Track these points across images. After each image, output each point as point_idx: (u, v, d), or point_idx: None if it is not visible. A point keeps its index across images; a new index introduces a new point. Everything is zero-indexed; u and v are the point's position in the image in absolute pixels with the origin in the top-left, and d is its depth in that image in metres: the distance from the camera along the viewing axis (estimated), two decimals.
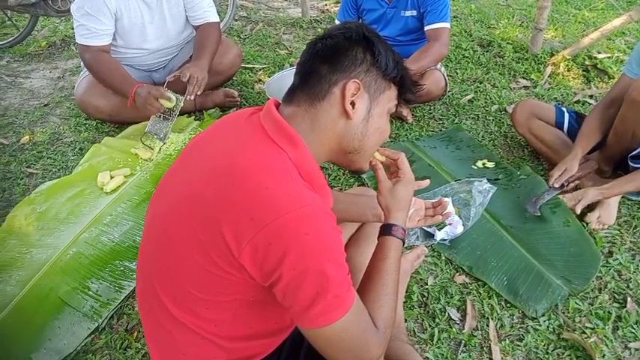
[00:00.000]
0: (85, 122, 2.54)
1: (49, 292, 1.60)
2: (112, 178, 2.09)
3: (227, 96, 2.62)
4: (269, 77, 3.00)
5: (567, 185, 1.88)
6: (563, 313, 1.52)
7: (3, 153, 2.33)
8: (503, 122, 2.57)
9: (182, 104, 2.26)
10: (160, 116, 2.27)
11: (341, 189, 2.06)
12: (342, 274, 0.86)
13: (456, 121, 2.59)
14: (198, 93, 2.28)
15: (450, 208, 1.84)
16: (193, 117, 2.58)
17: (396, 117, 2.56)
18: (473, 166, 2.18)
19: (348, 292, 0.86)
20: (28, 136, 2.45)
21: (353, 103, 0.96)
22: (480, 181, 1.92)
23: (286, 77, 2.36)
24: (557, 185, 1.88)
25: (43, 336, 1.49)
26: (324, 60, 0.96)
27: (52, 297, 1.59)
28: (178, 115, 2.47)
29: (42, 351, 1.45)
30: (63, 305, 1.57)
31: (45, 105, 2.77)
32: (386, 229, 1.09)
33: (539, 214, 1.86)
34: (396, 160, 1.15)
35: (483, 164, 2.19)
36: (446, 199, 1.89)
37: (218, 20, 2.53)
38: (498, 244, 1.76)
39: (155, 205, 1.01)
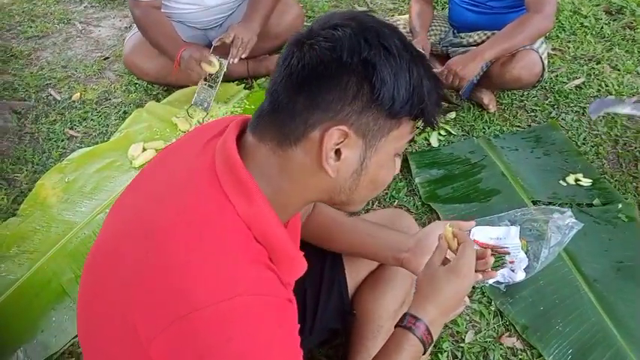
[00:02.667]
0: (136, 82, 2.42)
1: (52, 277, 1.53)
2: (144, 150, 1.96)
3: None
4: None
5: None
6: None
7: (53, 110, 2.29)
8: (616, 121, 2.01)
9: (225, 69, 2.05)
10: (205, 84, 2.08)
11: (386, 195, 1.73)
12: None
13: (553, 114, 2.07)
14: (243, 56, 2.04)
15: (515, 241, 1.46)
16: (243, 85, 2.34)
17: (475, 103, 2.11)
18: (561, 182, 1.72)
19: None
20: (79, 93, 2.39)
21: (339, 151, 0.66)
22: (562, 213, 1.48)
23: None
24: None
25: (37, 326, 1.42)
26: (300, 88, 0.66)
27: (54, 283, 1.51)
28: (228, 82, 2.28)
29: (32, 343, 1.39)
30: (63, 294, 1.48)
31: (105, 58, 2.69)
32: (404, 319, 0.82)
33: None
34: (459, 245, 0.87)
35: (576, 180, 1.72)
36: (513, 227, 1.51)
37: None
38: (572, 300, 1.35)
39: (94, 245, 0.81)
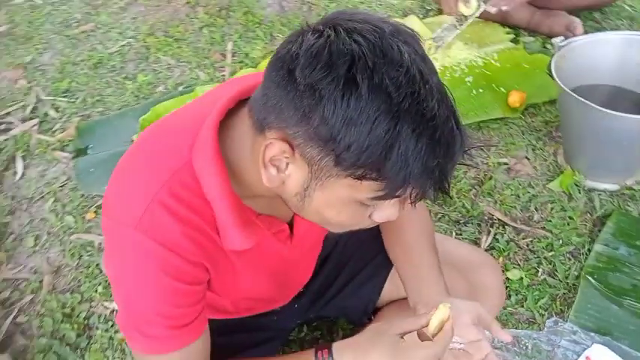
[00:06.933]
0: None
1: None
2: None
3: (568, 28, 1.88)
4: None
5: None
6: None
7: None
8: None
9: (478, 13, 1.82)
10: (453, 21, 1.90)
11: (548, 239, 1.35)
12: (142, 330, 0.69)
13: None
14: (504, 8, 1.76)
15: None
16: (512, 36, 2.00)
17: None
18: None
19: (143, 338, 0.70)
20: None
21: (286, 165, 0.60)
22: None
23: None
24: None
25: None
26: (275, 75, 0.58)
27: None
28: (502, 25, 2.01)
29: None
30: None
31: None
32: (322, 347, 0.74)
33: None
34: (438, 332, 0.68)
35: None
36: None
37: None
38: None
39: None
